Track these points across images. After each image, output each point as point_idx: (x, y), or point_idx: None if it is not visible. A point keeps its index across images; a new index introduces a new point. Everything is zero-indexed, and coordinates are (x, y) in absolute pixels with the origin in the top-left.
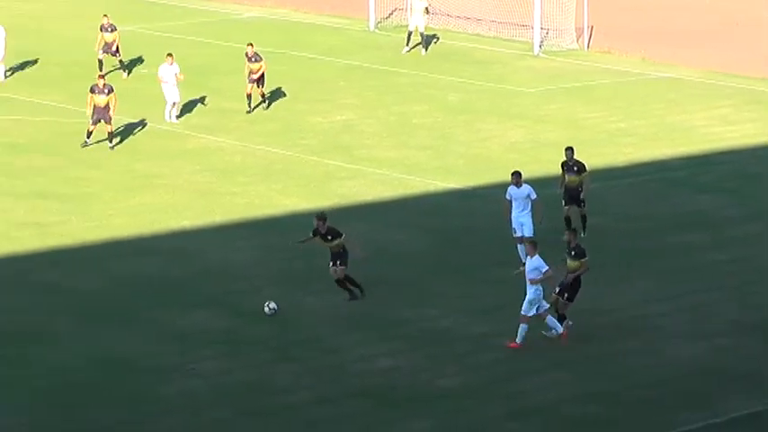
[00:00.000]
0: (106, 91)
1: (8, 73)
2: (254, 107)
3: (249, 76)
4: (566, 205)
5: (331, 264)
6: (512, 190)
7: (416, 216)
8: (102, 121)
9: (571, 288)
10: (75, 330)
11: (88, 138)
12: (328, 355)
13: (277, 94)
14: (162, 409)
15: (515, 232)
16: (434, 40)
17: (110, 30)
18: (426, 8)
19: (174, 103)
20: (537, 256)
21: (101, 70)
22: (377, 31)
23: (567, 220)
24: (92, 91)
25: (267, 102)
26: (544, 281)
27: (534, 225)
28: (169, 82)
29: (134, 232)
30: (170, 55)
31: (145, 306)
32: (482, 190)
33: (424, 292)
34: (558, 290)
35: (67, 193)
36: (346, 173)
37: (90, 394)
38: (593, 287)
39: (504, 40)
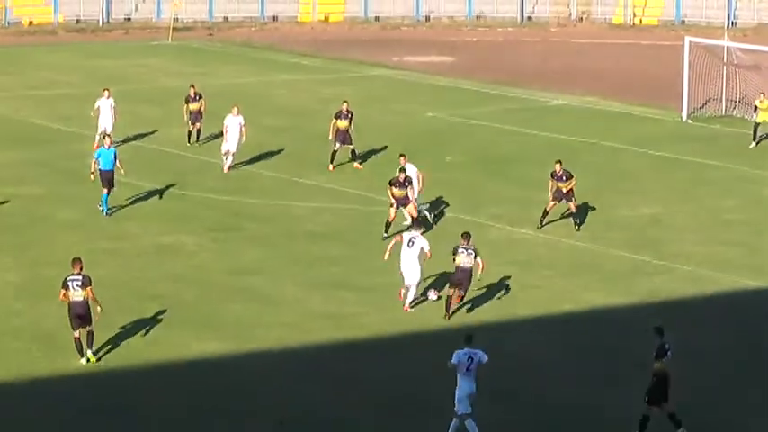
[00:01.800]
0: (406, 184)
1: (296, 158)
2: (543, 218)
3: (556, 192)
4: None
5: None
6: None
7: (725, 316)
8: (401, 207)
9: (657, 389)
10: (372, 422)
11: (386, 231)
12: None
13: (584, 185)
14: None
15: None
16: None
17: (346, 117)
18: None
19: None
20: (469, 349)
21: (332, 161)
22: (689, 121)
23: None
24: (391, 184)
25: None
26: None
27: None
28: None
29: (435, 325)
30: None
31: (443, 397)
32: None
33: (729, 398)
34: (647, 398)
35: (365, 284)
36: (653, 268)
37: None
38: None
39: None
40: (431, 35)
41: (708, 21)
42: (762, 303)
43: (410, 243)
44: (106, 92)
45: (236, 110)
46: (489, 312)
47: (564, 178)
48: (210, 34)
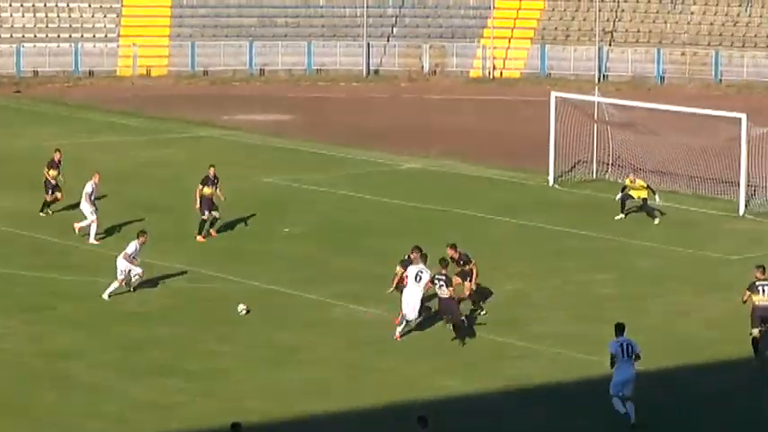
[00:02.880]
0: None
1: (117, 229)
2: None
3: None
4: None
5: None
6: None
7: (600, 403)
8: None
9: None
10: None
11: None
12: None
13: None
14: None
15: None
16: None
17: (213, 183)
18: (649, 186)
19: None
20: None
21: (200, 233)
22: (557, 186)
23: None
24: (402, 265)
25: None
26: None
27: None
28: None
29: (270, 416)
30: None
31: None
32: (678, 373)
33: None
34: None
35: (193, 370)
36: (517, 351)
37: None
38: None
39: (706, 198)
40: (266, 91)
41: (576, 74)
42: (639, 387)
43: (417, 278)
44: None
45: (97, 176)
46: (331, 401)
47: (462, 262)
48: (18, 91)
